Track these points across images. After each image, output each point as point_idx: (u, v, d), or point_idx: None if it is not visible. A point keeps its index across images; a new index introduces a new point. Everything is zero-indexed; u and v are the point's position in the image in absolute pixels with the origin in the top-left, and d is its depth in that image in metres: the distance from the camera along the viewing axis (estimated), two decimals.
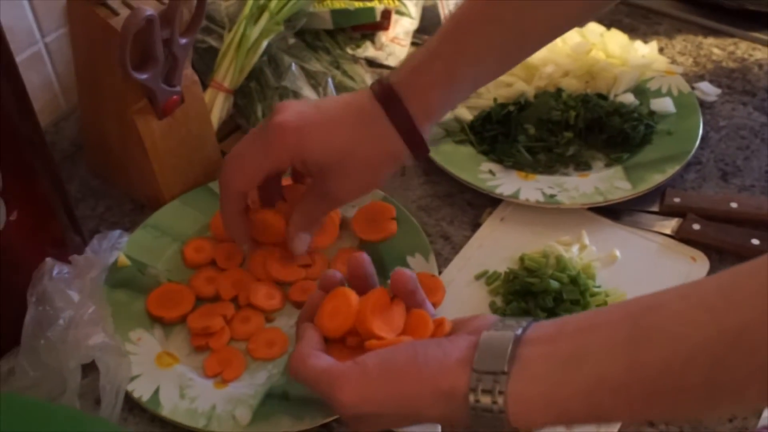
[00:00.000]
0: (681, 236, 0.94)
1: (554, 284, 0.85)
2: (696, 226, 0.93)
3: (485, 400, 0.57)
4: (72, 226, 0.92)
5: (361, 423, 0.64)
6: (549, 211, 0.96)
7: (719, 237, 0.93)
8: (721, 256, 0.92)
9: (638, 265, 0.91)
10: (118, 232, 0.92)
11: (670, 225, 0.95)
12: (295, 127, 0.76)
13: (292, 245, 0.83)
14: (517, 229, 0.96)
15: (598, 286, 0.88)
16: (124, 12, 0.87)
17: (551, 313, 0.84)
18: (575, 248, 0.91)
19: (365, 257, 0.72)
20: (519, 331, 0.58)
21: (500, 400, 0.56)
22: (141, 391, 0.81)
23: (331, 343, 0.70)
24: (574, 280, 0.86)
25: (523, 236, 0.95)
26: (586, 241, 0.93)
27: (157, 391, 0.81)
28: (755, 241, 0.91)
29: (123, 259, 0.91)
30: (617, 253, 0.92)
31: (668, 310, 0.55)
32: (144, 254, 0.93)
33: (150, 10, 0.84)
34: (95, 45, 0.91)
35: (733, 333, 0.51)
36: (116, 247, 0.91)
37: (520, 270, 0.89)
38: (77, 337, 0.75)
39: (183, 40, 0.89)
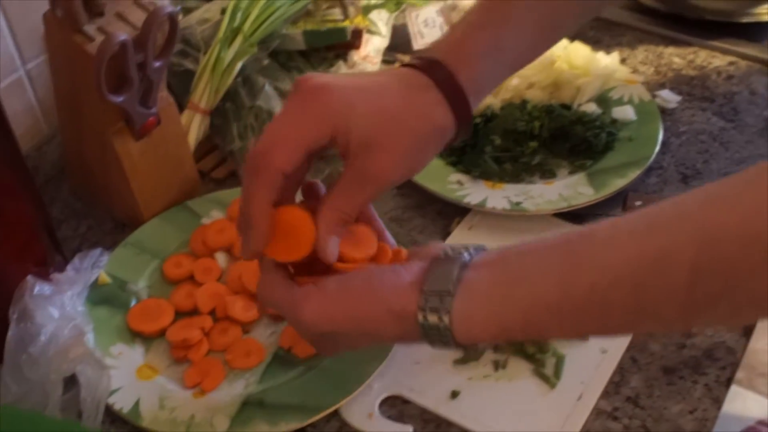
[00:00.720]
0: None
1: None
2: None
3: (432, 318, 0.60)
4: (54, 245, 0.93)
5: (324, 343, 0.67)
6: (516, 218, 0.99)
7: None
8: None
9: None
10: (98, 250, 0.93)
11: None
12: (341, 87, 0.64)
13: (324, 250, 0.65)
14: (485, 236, 0.98)
15: None
16: (100, 38, 0.89)
17: None
18: None
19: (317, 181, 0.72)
20: (466, 257, 0.62)
21: (446, 318, 0.60)
22: (122, 403, 0.82)
23: (297, 271, 0.70)
24: None
25: (491, 243, 0.95)
26: None
27: (137, 403, 0.83)
28: None
29: (104, 277, 0.93)
30: None
31: (598, 235, 0.58)
32: (124, 271, 0.95)
33: (123, 35, 0.86)
34: (73, 70, 0.93)
35: (652, 257, 0.54)
36: (97, 266, 0.92)
37: None
38: (58, 352, 0.77)
39: (157, 63, 0.91)
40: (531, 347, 0.85)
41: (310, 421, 0.80)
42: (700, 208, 0.54)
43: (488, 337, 0.61)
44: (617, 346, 0.86)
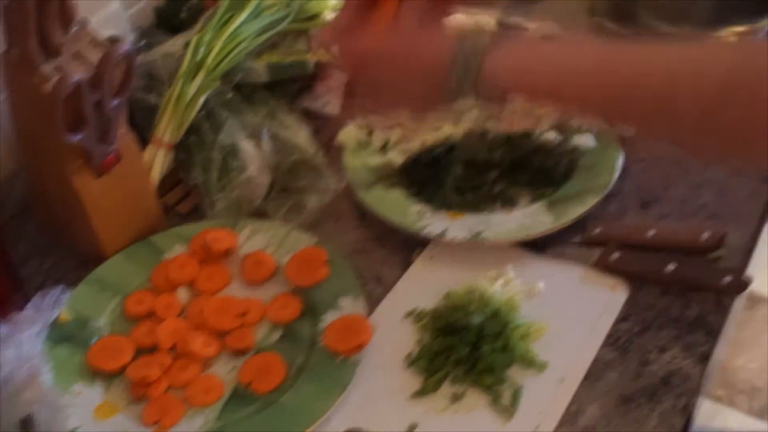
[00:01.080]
0: (601, 266, 0.95)
1: (476, 319, 0.87)
2: (615, 255, 0.95)
3: (466, 52, 0.67)
4: (14, 284, 0.93)
5: (363, 75, 0.76)
6: (477, 248, 0.98)
7: (637, 264, 0.95)
8: (640, 282, 0.94)
9: (560, 296, 0.93)
10: (60, 288, 0.92)
11: (592, 256, 0.97)
12: None
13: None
14: (446, 266, 0.98)
15: (523, 318, 0.90)
16: (56, 78, 0.89)
17: (475, 347, 0.86)
18: (500, 282, 0.93)
19: None
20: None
21: (478, 55, 0.66)
22: None
23: None
24: (495, 314, 0.88)
25: (451, 273, 0.96)
26: (511, 274, 0.95)
27: None
28: (671, 266, 0.93)
29: (64, 315, 0.93)
30: (540, 285, 0.94)
31: (639, 44, 0.63)
32: (86, 309, 0.95)
33: (78, 75, 0.86)
34: (31, 109, 0.93)
35: (690, 60, 0.60)
36: (58, 304, 0.91)
37: (446, 307, 0.91)
38: (12, 393, 0.76)
39: (115, 102, 0.91)
40: (489, 378, 0.85)
41: None
42: (734, 44, 0.63)
43: (512, 80, 0.66)
44: (574, 375, 0.85)
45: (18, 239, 1.07)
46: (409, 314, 0.93)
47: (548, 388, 0.84)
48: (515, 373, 0.85)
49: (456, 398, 0.84)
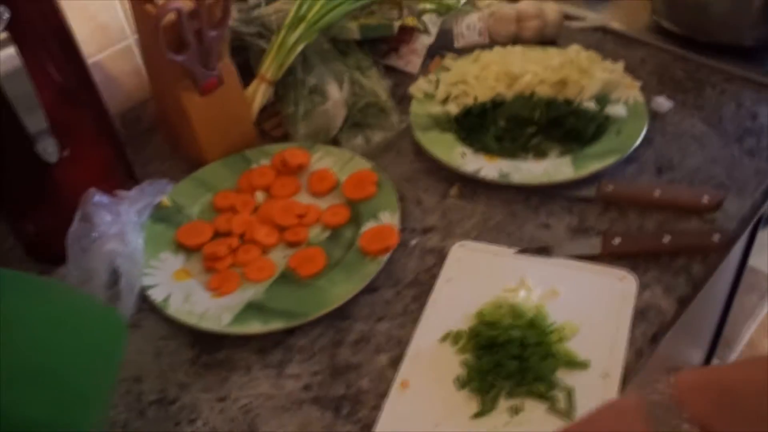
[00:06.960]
0: (606, 251, 0.89)
1: (515, 332, 0.80)
2: (616, 241, 0.90)
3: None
4: (130, 177, 1.00)
5: None
6: (491, 260, 0.91)
7: (637, 244, 0.90)
8: (645, 265, 0.89)
9: (579, 295, 0.86)
10: (164, 180, 0.99)
11: (596, 245, 0.91)
12: None
13: None
14: (465, 285, 0.88)
15: (553, 322, 0.82)
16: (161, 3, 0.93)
17: (520, 359, 0.79)
18: (522, 293, 0.86)
19: None
20: None
21: None
22: (156, 295, 0.88)
23: None
24: (531, 323, 0.81)
25: (472, 291, 0.87)
26: (530, 283, 0.87)
27: (167, 297, 0.88)
28: (666, 239, 0.89)
29: (166, 201, 0.99)
30: (559, 288, 0.86)
31: None
32: (183, 198, 1.01)
33: (178, 4, 0.91)
34: (149, 35, 0.99)
35: None
36: (161, 192, 0.98)
37: (481, 325, 0.82)
38: (101, 244, 0.82)
39: (213, 32, 0.96)
40: (541, 386, 0.77)
41: (293, 324, 0.84)
42: None
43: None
44: (615, 369, 0.79)
45: (146, 146, 1.15)
46: (444, 338, 0.83)
47: (595, 384, 0.77)
48: (562, 376, 0.78)
49: (515, 411, 0.76)
